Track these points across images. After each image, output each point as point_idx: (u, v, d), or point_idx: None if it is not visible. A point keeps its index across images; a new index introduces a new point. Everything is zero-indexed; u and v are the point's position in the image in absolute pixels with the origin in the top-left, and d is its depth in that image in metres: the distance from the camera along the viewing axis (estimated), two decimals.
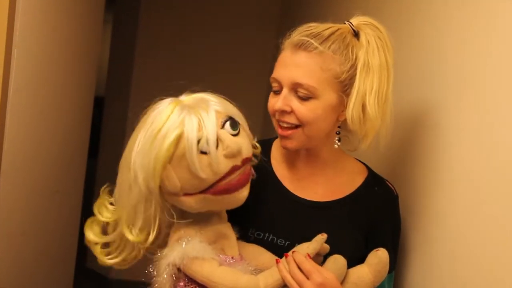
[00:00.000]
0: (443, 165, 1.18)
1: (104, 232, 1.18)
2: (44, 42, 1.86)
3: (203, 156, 1.01)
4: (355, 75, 1.11)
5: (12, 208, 1.78)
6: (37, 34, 1.78)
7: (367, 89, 1.10)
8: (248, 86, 3.46)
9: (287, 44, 1.16)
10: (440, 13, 1.29)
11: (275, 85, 1.16)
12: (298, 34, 1.15)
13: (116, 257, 1.17)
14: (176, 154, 1.01)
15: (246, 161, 1.07)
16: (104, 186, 1.19)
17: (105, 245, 1.19)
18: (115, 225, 1.16)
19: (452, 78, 1.18)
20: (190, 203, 1.06)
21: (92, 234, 1.17)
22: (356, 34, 1.14)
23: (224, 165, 1.03)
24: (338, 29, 1.14)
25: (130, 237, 1.10)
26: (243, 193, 1.08)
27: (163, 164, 1.02)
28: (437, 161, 1.21)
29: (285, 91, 1.13)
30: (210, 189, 1.04)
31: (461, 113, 1.13)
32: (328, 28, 1.14)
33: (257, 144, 1.19)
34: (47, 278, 2.27)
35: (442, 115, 1.20)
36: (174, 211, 1.09)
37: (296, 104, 1.12)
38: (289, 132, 1.15)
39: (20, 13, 1.60)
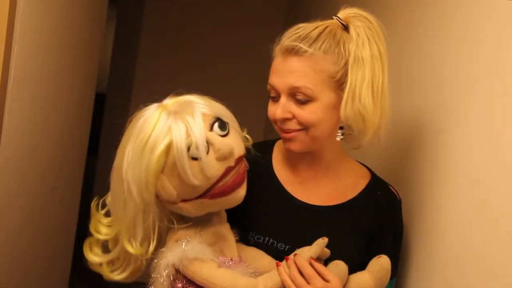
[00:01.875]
0: (448, 168, 1.17)
1: (105, 249, 1.15)
2: (46, 38, 1.84)
3: (195, 162, 1.00)
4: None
5: (9, 204, 1.76)
6: (38, 30, 1.76)
7: (359, 81, 1.08)
8: (250, 86, 3.44)
9: (278, 50, 1.14)
10: (449, 15, 1.27)
11: (272, 92, 1.15)
12: (287, 39, 1.13)
13: (123, 271, 1.14)
14: (168, 163, 1.00)
15: (239, 160, 1.06)
16: (94, 200, 1.15)
17: (110, 262, 1.15)
18: (116, 239, 1.13)
19: (460, 80, 1.17)
20: (188, 209, 1.05)
21: (94, 256, 1.14)
22: (345, 28, 1.12)
23: (217, 169, 1.02)
24: (327, 26, 1.12)
25: (131, 250, 1.07)
26: (240, 192, 1.07)
27: (155, 175, 1.00)
28: (442, 163, 1.19)
29: (283, 98, 1.12)
30: (206, 193, 1.03)
31: (468, 116, 1.12)
32: (316, 28, 1.12)
33: (248, 136, 1.18)
34: (43, 276, 2.25)
35: (448, 117, 1.19)
36: (173, 216, 1.08)
37: (296, 110, 1.11)
38: (292, 134, 1.13)
39: (21, 9, 1.59)
